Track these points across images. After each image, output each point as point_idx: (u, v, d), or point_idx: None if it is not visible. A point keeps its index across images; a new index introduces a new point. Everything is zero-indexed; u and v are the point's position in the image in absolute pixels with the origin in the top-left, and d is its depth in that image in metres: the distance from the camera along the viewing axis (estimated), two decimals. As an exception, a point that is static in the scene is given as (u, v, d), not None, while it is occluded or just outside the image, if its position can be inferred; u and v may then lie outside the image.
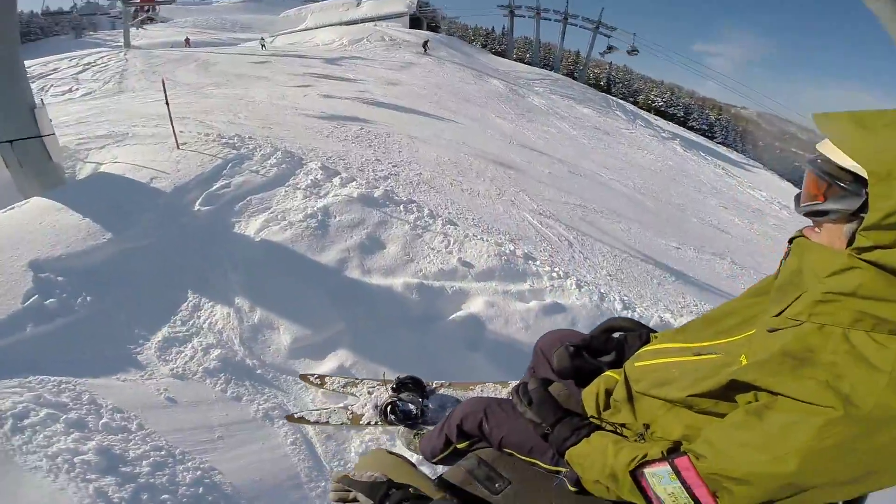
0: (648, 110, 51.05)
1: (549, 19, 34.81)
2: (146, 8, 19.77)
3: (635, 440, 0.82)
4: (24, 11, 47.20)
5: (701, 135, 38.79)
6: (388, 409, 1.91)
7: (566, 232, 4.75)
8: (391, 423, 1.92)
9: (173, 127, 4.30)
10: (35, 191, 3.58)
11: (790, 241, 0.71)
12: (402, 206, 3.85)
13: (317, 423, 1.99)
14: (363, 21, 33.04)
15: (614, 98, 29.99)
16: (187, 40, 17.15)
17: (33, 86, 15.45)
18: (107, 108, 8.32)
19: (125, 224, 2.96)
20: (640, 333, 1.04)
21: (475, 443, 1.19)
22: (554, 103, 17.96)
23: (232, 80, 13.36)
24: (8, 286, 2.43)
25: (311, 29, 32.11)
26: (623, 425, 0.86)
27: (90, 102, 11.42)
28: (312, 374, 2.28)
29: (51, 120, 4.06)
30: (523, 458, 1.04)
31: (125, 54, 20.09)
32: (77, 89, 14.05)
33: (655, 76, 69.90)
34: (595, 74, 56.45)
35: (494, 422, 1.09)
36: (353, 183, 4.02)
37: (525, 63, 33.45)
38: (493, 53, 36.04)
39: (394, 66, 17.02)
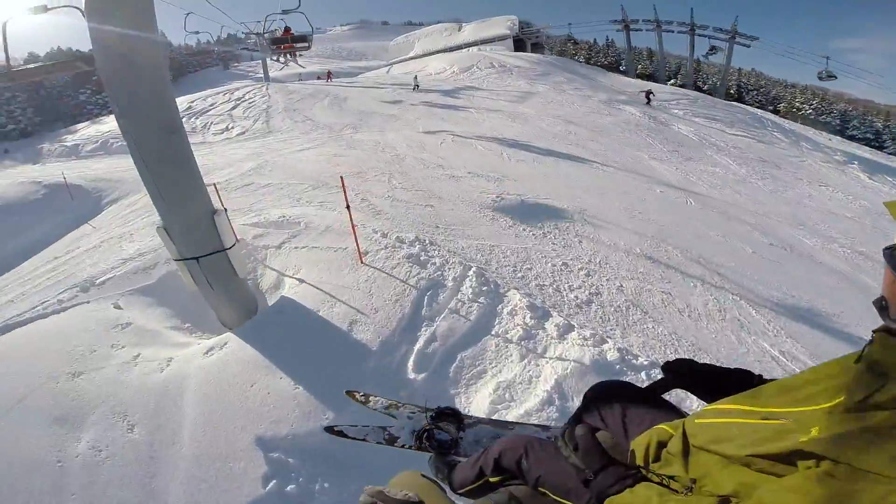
0: (795, 120, 43.61)
1: (672, 31, 31.51)
2: (285, 54, 21.63)
3: (683, 493, 0.81)
4: (181, 44, 57.03)
5: (865, 145, 31.81)
6: (425, 435, 1.94)
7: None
8: (425, 450, 1.94)
9: (356, 239, 3.88)
10: (233, 321, 3.35)
11: (874, 332, 0.69)
12: (643, 373, 2.89)
13: (354, 438, 2.09)
14: (467, 46, 33.38)
15: (762, 112, 25.82)
16: (329, 74, 18.20)
17: (197, 122, 18.07)
18: (265, 161, 8.75)
19: (341, 403, 2.47)
20: (746, 378, 1.01)
21: (508, 479, 1.18)
22: (702, 130, 15.71)
23: (365, 119, 13.81)
24: (244, 464, 2.27)
25: (421, 56, 33.25)
26: (672, 478, 0.85)
27: (246, 144, 12.59)
28: (358, 392, 2.35)
29: (230, 224, 3.77)
30: (558, 499, 1.01)
31: (267, 88, 22.44)
32: (233, 127, 15.83)
33: (783, 78, 59.82)
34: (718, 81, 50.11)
35: (534, 459, 1.08)
36: (573, 334, 3.15)
37: (645, 79, 30.61)
38: (604, 67, 33.63)
39: (512, 96, 16.39)
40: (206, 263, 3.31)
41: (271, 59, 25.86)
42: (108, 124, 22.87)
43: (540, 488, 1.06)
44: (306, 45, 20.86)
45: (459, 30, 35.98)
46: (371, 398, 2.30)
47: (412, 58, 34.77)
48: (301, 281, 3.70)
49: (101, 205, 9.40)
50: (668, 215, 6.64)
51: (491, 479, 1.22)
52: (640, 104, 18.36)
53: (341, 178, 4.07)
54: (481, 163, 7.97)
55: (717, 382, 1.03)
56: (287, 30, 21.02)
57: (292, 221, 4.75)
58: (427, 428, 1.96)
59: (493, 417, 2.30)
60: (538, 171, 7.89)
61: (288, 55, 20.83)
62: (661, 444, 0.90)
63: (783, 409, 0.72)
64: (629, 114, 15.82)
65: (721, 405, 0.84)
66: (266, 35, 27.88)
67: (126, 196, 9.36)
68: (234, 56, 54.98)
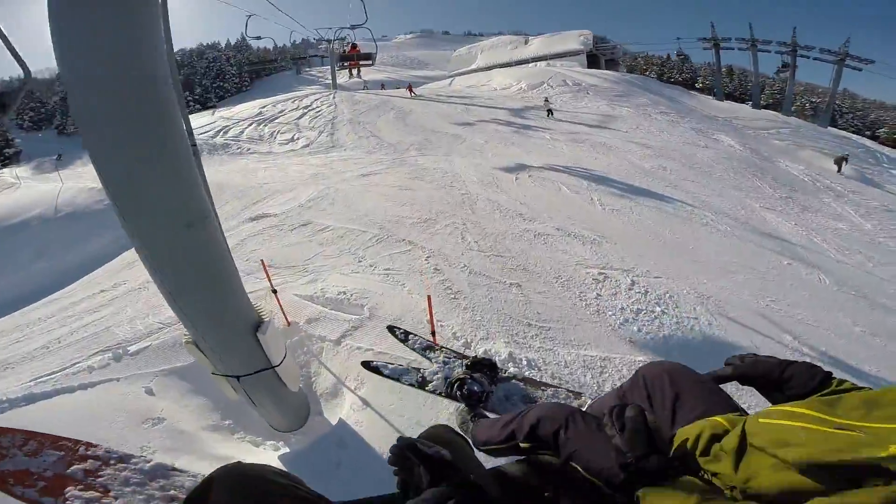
0: (874, 138, 38.06)
1: (768, 51, 28.24)
2: (351, 69, 23.12)
3: (727, 492, 0.79)
4: (260, 48, 60.44)
5: None
6: (457, 384, 1.90)
7: None
8: (454, 399, 1.89)
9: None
10: (284, 426, 2.74)
11: None
12: None
13: (388, 377, 2.13)
14: (534, 60, 32.05)
15: (872, 143, 22.35)
16: (410, 87, 18.43)
17: (265, 130, 18.25)
18: (327, 189, 8.16)
19: None
20: (809, 373, 0.93)
21: (538, 447, 1.14)
22: (812, 168, 13.46)
23: (430, 139, 13.10)
24: None
25: (484, 69, 32.41)
26: (715, 474, 0.82)
27: (309, 160, 12.27)
28: (399, 328, 2.40)
29: (283, 336, 2.88)
30: (588, 476, 0.98)
31: (333, 97, 22.63)
32: (298, 138, 15.82)
33: (877, 98, 52.51)
34: (812, 104, 44.82)
35: (574, 432, 1.04)
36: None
37: (733, 101, 27.68)
38: (679, 85, 30.79)
39: (590, 119, 14.97)
40: (248, 381, 2.46)
41: (339, 69, 26.70)
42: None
43: (571, 462, 1.01)
44: (370, 62, 22.67)
45: (526, 43, 34.60)
46: (411, 336, 2.30)
47: (474, 70, 34.05)
48: (365, 404, 2.76)
49: None
50: (807, 308, 5.05)
51: (522, 445, 1.16)
52: (736, 133, 16.21)
53: (428, 298, 3.11)
54: (569, 212, 6.79)
55: (779, 378, 0.95)
56: (354, 47, 22.66)
57: (354, 303, 3.87)
58: (460, 377, 1.93)
59: (528, 377, 2.21)
60: (640, 227, 6.56)
61: (353, 70, 22.22)
62: (714, 437, 0.84)
63: (863, 423, 0.67)
64: (727, 146, 13.86)
65: (791, 407, 0.77)
66: (335, 46, 28.89)
67: None
68: (307, 61, 57.61)
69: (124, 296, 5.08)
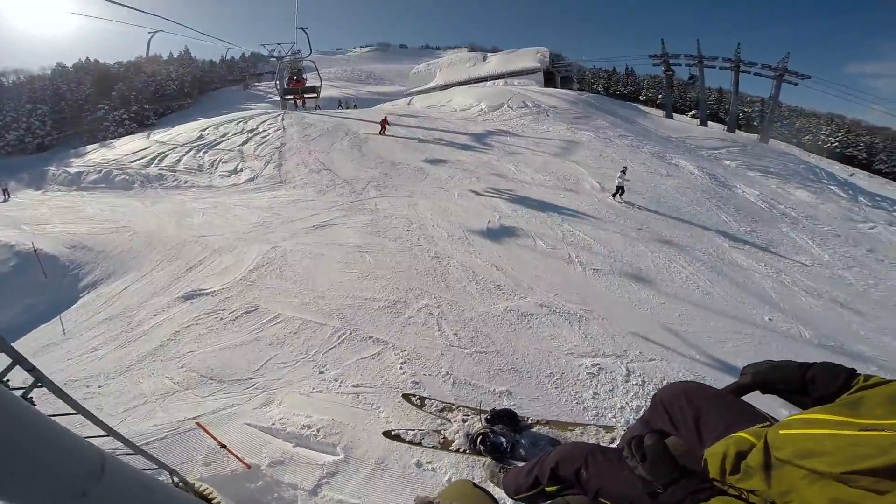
0: (820, 153, 41.54)
1: (714, 67, 29.95)
2: (295, 101, 23.16)
3: None
4: (206, 60, 57.07)
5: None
6: (479, 439, 1.92)
7: None
8: (479, 454, 1.90)
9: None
10: None
11: None
12: None
13: (410, 442, 2.12)
14: (493, 78, 32.11)
15: (813, 161, 23.97)
16: (385, 122, 16.47)
17: (206, 158, 16.54)
18: (274, 252, 7.09)
19: None
20: (832, 372, 0.87)
21: (565, 488, 1.12)
22: (766, 192, 13.92)
23: (390, 173, 12.21)
24: None
25: (443, 87, 32.05)
26: (752, 492, 0.78)
27: (254, 200, 10.99)
28: (414, 395, 2.41)
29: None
30: None
31: (282, 119, 21.21)
32: (242, 170, 14.39)
33: (798, 104, 58.13)
34: (745, 114, 48.40)
35: (595, 470, 1.03)
36: None
37: (676, 112, 28.90)
38: (623, 98, 31.79)
39: (552, 147, 14.73)
40: None
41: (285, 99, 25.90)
42: (116, 149, 21.82)
43: (601, 498, 1.00)
44: (315, 95, 22.78)
45: (485, 60, 34.65)
46: (426, 401, 2.37)
47: (434, 88, 33.61)
48: None
49: (77, 289, 7.75)
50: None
51: (548, 489, 1.14)
52: (692, 155, 16.64)
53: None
54: (550, 278, 6.16)
55: (802, 381, 0.91)
56: (298, 81, 22.72)
57: (324, 440, 2.96)
58: (482, 431, 1.96)
59: (551, 419, 2.13)
60: (622, 291, 6.05)
61: (297, 102, 22.95)
62: (740, 455, 0.81)
63: (890, 420, 0.64)
64: (687, 172, 14.05)
65: (811, 414, 0.75)
66: (279, 75, 27.73)
67: (105, 281, 7.73)
68: (256, 76, 54.90)
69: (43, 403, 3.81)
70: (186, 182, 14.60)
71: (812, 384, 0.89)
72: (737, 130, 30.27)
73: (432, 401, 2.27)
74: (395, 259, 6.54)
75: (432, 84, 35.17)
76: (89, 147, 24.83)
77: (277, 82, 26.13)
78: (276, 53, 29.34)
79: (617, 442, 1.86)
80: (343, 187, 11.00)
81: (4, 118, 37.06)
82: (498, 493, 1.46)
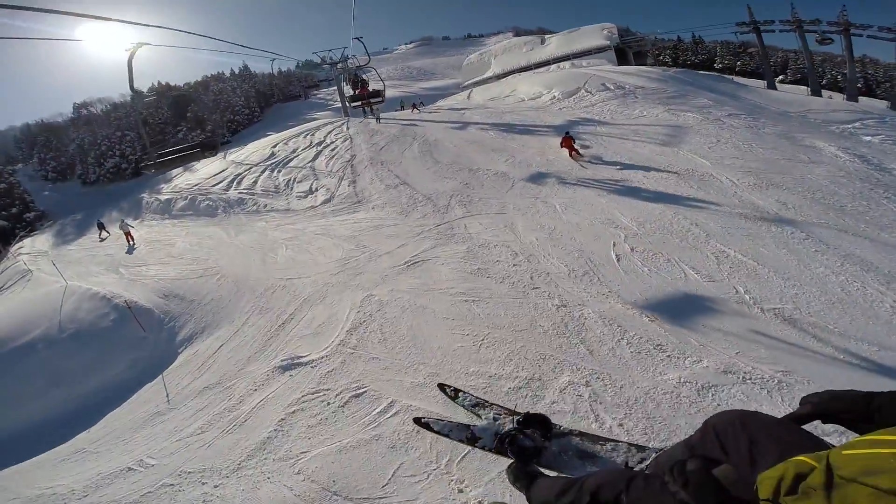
0: None
1: (816, 31, 25.02)
2: (363, 108, 23.00)
3: None
4: (265, 73, 59.53)
5: None
6: (508, 440, 1.85)
7: None
8: (504, 454, 1.85)
9: None
10: None
11: None
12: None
13: (438, 433, 2.15)
14: (556, 61, 29.50)
15: None
16: (414, 106, 17.47)
17: (280, 177, 16.41)
18: (370, 300, 6.29)
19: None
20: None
21: None
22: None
23: (471, 183, 11.10)
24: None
25: (501, 76, 30.08)
26: None
27: (335, 227, 10.45)
28: (449, 386, 2.42)
29: None
30: None
31: (347, 129, 20.94)
32: (317, 189, 14.09)
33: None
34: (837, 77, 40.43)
35: (635, 496, 0.99)
36: None
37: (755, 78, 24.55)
38: (697, 68, 27.40)
39: (655, 135, 12.64)
40: None
41: (351, 106, 25.88)
42: (198, 173, 23.00)
43: None
44: (380, 99, 22.62)
45: (543, 43, 31.90)
46: (460, 394, 2.38)
47: (491, 78, 31.75)
48: None
49: (175, 343, 7.62)
50: None
51: None
52: (827, 135, 13.55)
53: None
54: (725, 328, 4.65)
55: (866, 410, 0.90)
56: (363, 87, 22.45)
57: None
58: (511, 432, 1.89)
59: (584, 431, 2.11)
60: (818, 342, 4.39)
61: (366, 109, 22.59)
62: (799, 477, 0.78)
63: None
64: (831, 156, 11.32)
65: (876, 436, 0.74)
66: (340, 68, 27.70)
67: (199, 335, 7.52)
68: (314, 84, 56.46)
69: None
70: (266, 206, 14.62)
71: (878, 413, 0.88)
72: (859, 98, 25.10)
73: (466, 395, 2.19)
74: (510, 311, 5.39)
75: (488, 74, 33.28)
76: (174, 172, 26.56)
77: (339, 89, 26.24)
78: (328, 60, 29.50)
79: (648, 462, 1.71)
80: (425, 205, 10.06)
81: (100, 147, 41.28)
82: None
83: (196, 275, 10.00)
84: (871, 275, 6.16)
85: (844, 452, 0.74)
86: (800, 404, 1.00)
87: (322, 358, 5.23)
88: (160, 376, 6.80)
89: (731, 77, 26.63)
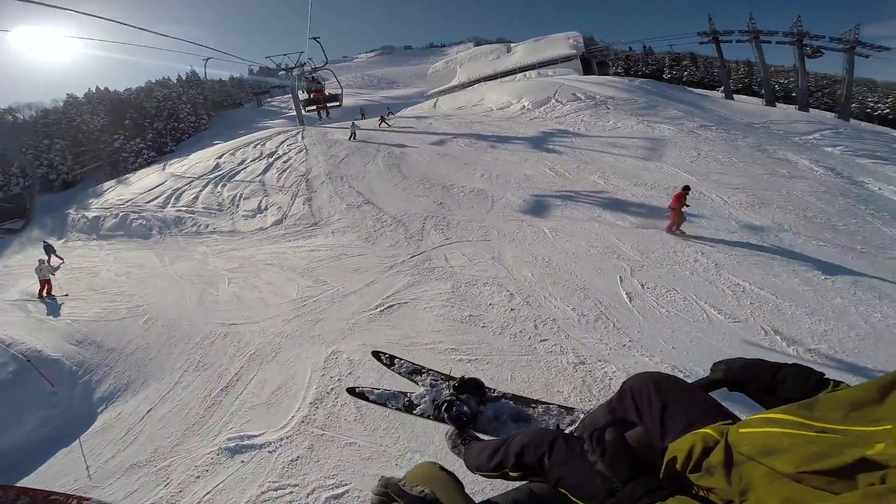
0: (870, 120, 37.27)
1: (770, 42, 26.25)
2: (319, 112, 22.50)
3: None
4: (215, 79, 55.96)
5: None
6: (445, 406, 1.90)
7: None
8: (442, 421, 1.89)
9: None
10: None
11: None
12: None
13: (375, 402, 2.16)
14: (522, 70, 29.23)
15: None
16: (383, 119, 17.58)
17: (225, 193, 14.35)
18: (336, 372, 4.99)
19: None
20: (804, 375, 0.89)
21: (528, 475, 1.11)
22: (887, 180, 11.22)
23: (447, 202, 9.94)
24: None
25: (468, 85, 29.40)
26: (710, 490, 0.78)
27: (287, 257, 8.89)
28: (384, 353, 2.43)
29: None
30: (578, 501, 0.95)
31: (302, 138, 19.33)
32: (266, 207, 12.39)
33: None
34: (783, 87, 43.40)
35: (558, 458, 1.01)
36: None
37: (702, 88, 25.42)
38: (647, 77, 27.99)
39: (634, 148, 12.09)
40: None
41: (305, 111, 24.80)
42: (132, 186, 20.38)
43: (560, 489, 0.99)
44: (338, 103, 22.24)
45: (509, 51, 31.60)
46: (396, 361, 2.36)
47: (457, 86, 30.98)
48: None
49: (92, 401, 6.04)
50: None
51: (511, 474, 1.13)
52: (795, 147, 13.67)
53: None
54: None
55: (772, 381, 0.93)
56: (319, 91, 22.11)
57: None
58: (448, 399, 1.92)
59: (516, 393, 2.21)
60: None
61: (321, 112, 22.42)
62: (706, 451, 0.81)
63: (843, 426, 0.66)
64: (806, 169, 11.25)
65: (770, 414, 0.76)
66: (296, 73, 26.22)
67: (122, 394, 5.98)
68: (267, 91, 53.56)
69: None
70: (207, 227, 12.74)
71: (782, 385, 0.89)
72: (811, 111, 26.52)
73: (402, 361, 2.26)
74: (519, 374, 4.26)
75: (454, 82, 32.51)
76: (106, 185, 23.57)
77: (293, 95, 24.86)
78: (283, 65, 27.69)
79: (576, 426, 1.69)
80: (395, 230, 8.77)
81: (25, 155, 36.72)
82: (459, 463, 1.40)
83: (118, 316, 8.16)
84: (885, 302, 5.73)
85: (741, 431, 0.76)
86: (710, 370, 1.02)
87: (282, 440, 3.91)
88: (78, 440, 5.26)
89: (690, 89, 27.30)
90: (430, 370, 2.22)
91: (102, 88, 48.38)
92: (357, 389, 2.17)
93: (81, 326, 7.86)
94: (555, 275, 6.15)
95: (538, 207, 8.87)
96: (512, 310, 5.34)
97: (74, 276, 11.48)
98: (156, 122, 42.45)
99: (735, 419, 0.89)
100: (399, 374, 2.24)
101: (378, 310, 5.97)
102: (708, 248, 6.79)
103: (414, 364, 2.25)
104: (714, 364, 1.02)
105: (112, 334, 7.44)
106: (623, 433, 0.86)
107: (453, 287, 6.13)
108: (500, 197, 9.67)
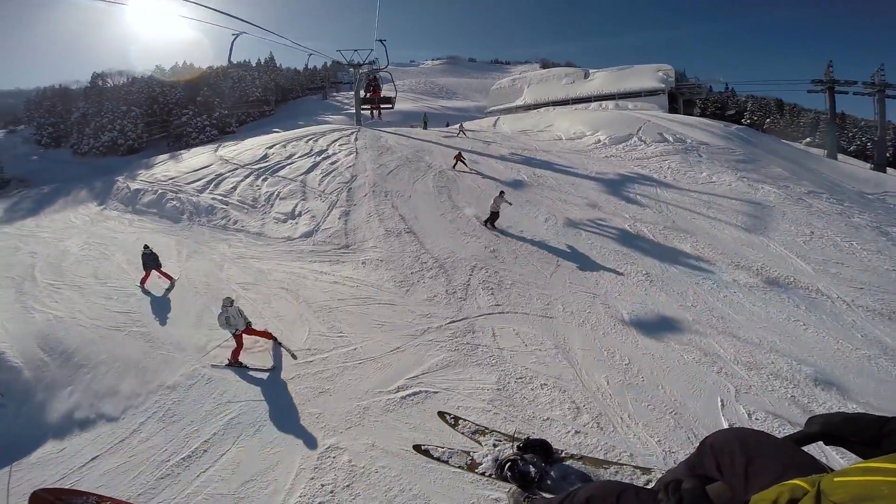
0: None
1: (894, 96, 22.66)
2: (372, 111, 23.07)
3: None
4: (290, 68, 57.68)
5: None
6: (508, 465, 1.85)
7: None
8: (505, 480, 1.82)
9: None
10: None
11: None
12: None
13: (438, 459, 2.17)
14: (599, 99, 27.18)
15: None
16: (461, 127, 17.83)
17: (263, 188, 11.75)
18: (337, 455, 3.45)
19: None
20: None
21: None
22: None
23: (499, 248, 8.29)
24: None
25: (535, 107, 27.67)
26: None
27: (306, 281, 7.52)
28: (449, 414, 2.46)
29: None
30: None
31: (355, 140, 18.42)
32: (300, 214, 11.30)
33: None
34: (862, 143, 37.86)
35: None
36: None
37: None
38: (727, 120, 24.77)
39: (733, 213, 9.89)
40: None
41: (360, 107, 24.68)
42: (181, 164, 20.28)
43: None
44: (390, 106, 23.08)
45: (586, 77, 29.55)
46: (460, 421, 2.43)
47: (522, 107, 29.40)
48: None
49: (38, 427, 5.06)
50: None
51: None
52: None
53: None
54: None
55: (878, 434, 0.85)
56: (375, 91, 22.60)
57: None
58: (511, 458, 1.91)
59: (586, 454, 2.06)
60: None
61: (373, 112, 23.27)
62: (793, 502, 0.74)
63: None
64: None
65: (871, 463, 0.72)
66: (357, 84, 26.25)
67: (71, 431, 4.85)
68: (335, 85, 54.59)
69: None
70: (235, 223, 11.79)
71: (888, 438, 0.85)
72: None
73: (466, 422, 2.25)
74: None
75: (518, 102, 30.91)
76: (160, 158, 23.85)
77: (356, 93, 24.85)
78: (353, 61, 27.48)
79: (653, 484, 1.57)
80: (435, 277, 7.16)
81: (101, 120, 38.90)
82: None
83: (104, 322, 7.11)
84: None
85: (837, 479, 0.72)
86: (805, 424, 0.96)
87: None
88: (8, 468, 4.27)
89: (789, 143, 23.98)
90: (495, 430, 2.27)
91: (189, 63, 51.18)
92: (423, 447, 2.16)
93: (60, 328, 6.85)
94: (637, 386, 4.33)
95: (615, 280, 6.97)
96: (577, 432, 3.60)
97: (87, 255, 10.83)
98: (225, 103, 43.96)
99: (830, 471, 0.78)
100: (463, 433, 2.21)
101: (399, 394, 4.37)
102: (832, 370, 4.74)
103: (479, 425, 2.26)
104: (810, 418, 0.93)
105: (87, 346, 6.37)
106: (703, 484, 0.79)
107: (500, 381, 4.44)
108: (565, 255, 7.84)
